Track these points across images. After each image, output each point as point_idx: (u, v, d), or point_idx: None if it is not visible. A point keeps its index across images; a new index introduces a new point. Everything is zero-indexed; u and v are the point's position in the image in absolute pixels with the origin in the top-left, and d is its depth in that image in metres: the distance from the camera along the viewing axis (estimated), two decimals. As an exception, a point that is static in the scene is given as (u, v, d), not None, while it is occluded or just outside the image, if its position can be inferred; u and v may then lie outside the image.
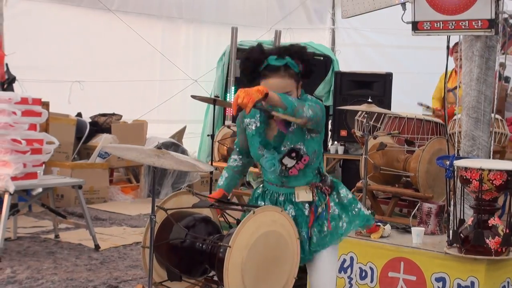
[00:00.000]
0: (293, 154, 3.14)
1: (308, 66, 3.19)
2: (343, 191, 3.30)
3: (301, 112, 2.97)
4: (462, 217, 4.27)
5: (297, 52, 3.17)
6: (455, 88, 6.84)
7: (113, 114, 9.02)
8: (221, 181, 3.43)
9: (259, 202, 3.34)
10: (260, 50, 3.16)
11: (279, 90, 3.05)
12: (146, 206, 7.33)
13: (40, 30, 8.59)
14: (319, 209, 3.21)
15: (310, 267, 3.30)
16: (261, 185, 3.40)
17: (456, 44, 6.67)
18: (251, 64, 3.16)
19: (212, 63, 10.13)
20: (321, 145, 3.23)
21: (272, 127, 3.25)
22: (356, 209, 3.28)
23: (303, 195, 3.22)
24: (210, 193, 6.55)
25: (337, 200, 3.27)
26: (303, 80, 3.21)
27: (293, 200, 3.24)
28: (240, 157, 3.47)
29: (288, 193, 3.25)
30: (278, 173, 3.20)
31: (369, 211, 3.44)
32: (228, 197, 3.46)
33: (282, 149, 3.17)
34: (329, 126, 9.92)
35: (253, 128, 3.26)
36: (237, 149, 3.47)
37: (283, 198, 3.26)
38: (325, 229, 3.21)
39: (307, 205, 3.22)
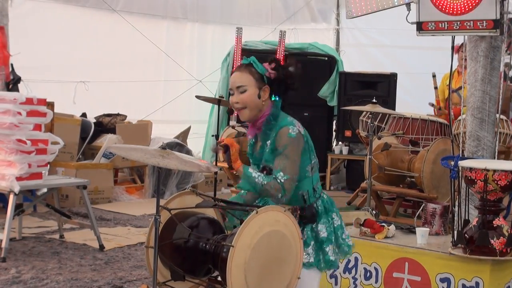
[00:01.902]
0: (265, 172, 3.15)
1: (278, 75, 3.11)
2: (321, 227, 3.20)
3: (270, 194, 3.03)
4: (466, 218, 4.27)
5: (277, 61, 3.16)
6: (459, 88, 6.83)
7: (118, 115, 9.02)
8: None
9: None
10: None
11: (234, 83, 3.13)
12: (151, 206, 7.33)
13: (45, 31, 8.60)
14: None
15: None
16: None
17: (462, 43, 6.65)
18: None
19: (217, 64, 10.14)
20: (307, 171, 3.14)
21: (257, 141, 3.25)
22: (325, 250, 3.19)
23: None
24: (215, 193, 6.62)
25: (313, 232, 3.20)
26: (274, 89, 3.13)
27: None
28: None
29: None
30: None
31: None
32: None
33: (260, 166, 3.20)
34: (334, 127, 9.94)
35: (249, 137, 3.30)
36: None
37: None
38: None
39: None
